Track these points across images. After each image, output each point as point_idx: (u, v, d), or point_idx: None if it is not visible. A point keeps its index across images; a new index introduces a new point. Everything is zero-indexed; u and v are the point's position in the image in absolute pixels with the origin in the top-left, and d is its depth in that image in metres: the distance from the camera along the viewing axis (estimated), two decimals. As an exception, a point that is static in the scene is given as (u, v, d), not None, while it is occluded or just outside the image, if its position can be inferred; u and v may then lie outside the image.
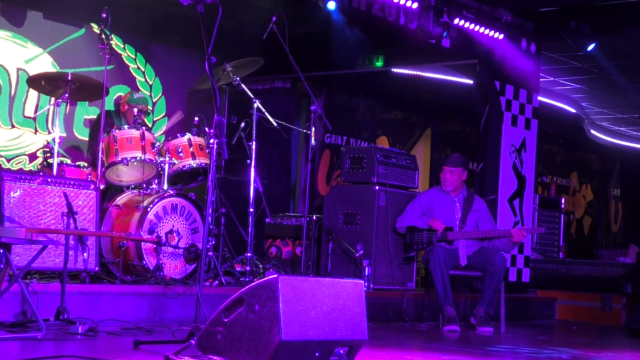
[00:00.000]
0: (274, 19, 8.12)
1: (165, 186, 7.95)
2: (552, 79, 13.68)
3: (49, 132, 9.40)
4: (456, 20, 9.92)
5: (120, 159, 7.81)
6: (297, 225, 9.66)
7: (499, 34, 10.37)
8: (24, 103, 9.43)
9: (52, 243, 5.84)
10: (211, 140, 5.98)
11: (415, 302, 8.97)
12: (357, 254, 8.79)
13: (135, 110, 8.29)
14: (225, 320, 4.72)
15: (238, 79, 8.38)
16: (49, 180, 6.96)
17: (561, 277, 11.73)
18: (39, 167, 8.28)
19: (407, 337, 7.62)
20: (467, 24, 10.05)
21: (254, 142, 8.28)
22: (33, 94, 9.35)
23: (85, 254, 6.93)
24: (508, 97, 10.53)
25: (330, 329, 4.70)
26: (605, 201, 19.67)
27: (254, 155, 8.26)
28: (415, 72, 12.23)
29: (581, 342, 8.12)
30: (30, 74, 8.86)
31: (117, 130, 7.89)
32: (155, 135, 8.27)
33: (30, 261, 5.82)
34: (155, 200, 7.65)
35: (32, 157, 9.40)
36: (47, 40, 9.65)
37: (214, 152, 6.00)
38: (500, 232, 8.71)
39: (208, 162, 8.03)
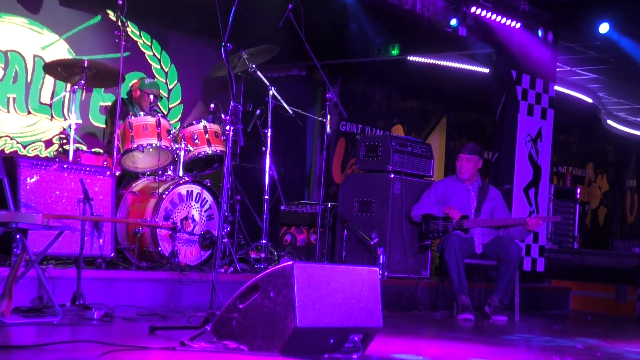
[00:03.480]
0: (290, 6, 8.08)
1: (181, 173, 7.97)
2: (568, 68, 13.63)
3: (65, 119, 9.42)
4: (473, 9, 9.90)
5: (135, 146, 7.84)
6: (312, 213, 9.67)
7: (516, 23, 10.33)
8: (40, 90, 9.45)
9: (68, 229, 5.86)
10: (227, 128, 5.99)
11: (429, 291, 8.97)
12: (372, 242, 8.79)
13: (152, 97, 8.32)
14: (241, 306, 4.74)
15: (254, 66, 8.38)
16: (65, 166, 6.99)
17: (576, 267, 11.71)
18: (55, 153, 8.30)
19: (421, 325, 7.63)
20: (484, 13, 10.02)
21: (269, 130, 8.28)
22: (49, 80, 9.37)
23: (101, 240, 6.96)
24: (524, 86, 10.50)
25: (345, 316, 4.71)
26: (620, 192, 19.59)
27: (269, 143, 8.26)
28: (431, 61, 12.20)
29: (595, 333, 8.11)
30: (47, 61, 8.87)
31: (132, 117, 7.92)
32: (171, 122, 8.29)
33: (46, 247, 5.85)
34: (171, 187, 7.67)
35: (48, 143, 9.42)
36: (63, 27, 9.66)
37: (230, 139, 6.00)
38: (515, 220, 8.70)
39: (223, 149, 8.05)
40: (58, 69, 7.89)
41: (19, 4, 9.31)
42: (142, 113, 8.01)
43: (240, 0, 5.92)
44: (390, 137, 9.28)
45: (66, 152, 7.56)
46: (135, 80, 8.97)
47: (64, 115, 9.50)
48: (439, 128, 14.76)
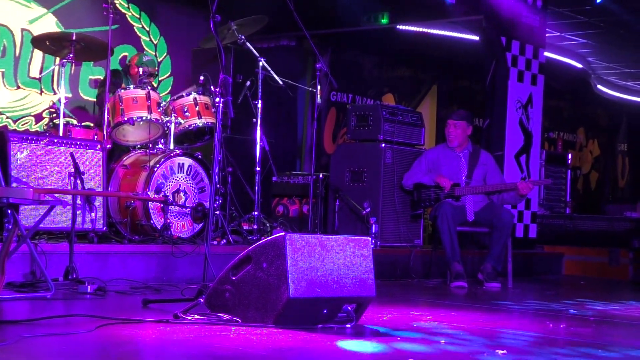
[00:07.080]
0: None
1: (172, 146, 7.96)
2: (558, 34, 13.60)
3: (55, 93, 9.38)
4: (462, -24, 9.86)
5: (126, 119, 7.82)
6: (304, 184, 9.67)
7: (505, -11, 10.30)
8: (29, 64, 9.40)
9: (59, 203, 5.86)
10: (217, 99, 5.98)
11: (422, 259, 9.00)
12: (364, 212, 8.80)
13: (140, 70, 8.28)
14: (234, 278, 4.74)
15: (243, 37, 8.35)
16: (56, 140, 6.98)
17: (568, 232, 11.74)
18: (45, 127, 8.27)
19: (414, 293, 7.65)
20: (472, -21, 9.98)
21: (259, 101, 8.26)
22: (38, 54, 9.32)
23: (92, 214, 6.96)
24: (514, 52, 10.47)
25: (338, 286, 4.72)
26: (612, 156, 19.63)
27: (259, 114, 8.25)
28: (421, 29, 12.16)
29: (588, 297, 8.14)
30: (35, 34, 8.82)
31: (122, 90, 7.90)
32: (161, 94, 8.26)
33: (38, 221, 5.85)
34: (162, 159, 7.66)
35: (38, 117, 9.39)
36: (51, 0, 9.60)
37: (220, 111, 5.99)
38: (506, 185, 8.70)
39: (214, 121, 8.04)
40: (46, 43, 7.86)
41: (6, -22, 9.26)
42: (132, 86, 7.99)
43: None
44: (381, 106, 9.27)
45: (56, 126, 7.54)
46: (133, 56, 8.92)
47: (53, 89, 9.46)
48: (429, 96, 14.74)
